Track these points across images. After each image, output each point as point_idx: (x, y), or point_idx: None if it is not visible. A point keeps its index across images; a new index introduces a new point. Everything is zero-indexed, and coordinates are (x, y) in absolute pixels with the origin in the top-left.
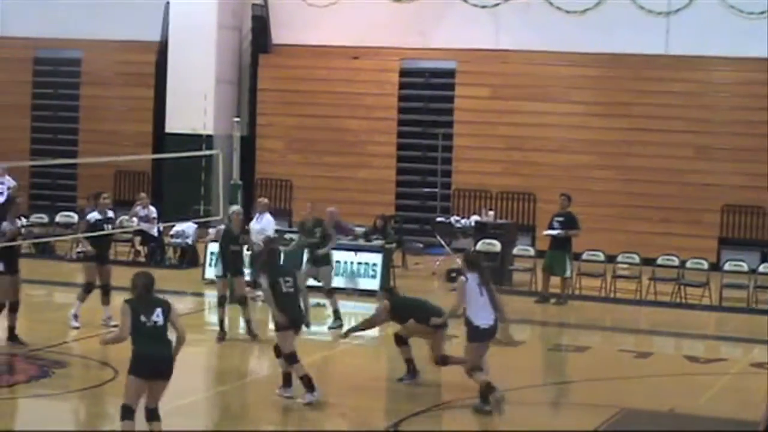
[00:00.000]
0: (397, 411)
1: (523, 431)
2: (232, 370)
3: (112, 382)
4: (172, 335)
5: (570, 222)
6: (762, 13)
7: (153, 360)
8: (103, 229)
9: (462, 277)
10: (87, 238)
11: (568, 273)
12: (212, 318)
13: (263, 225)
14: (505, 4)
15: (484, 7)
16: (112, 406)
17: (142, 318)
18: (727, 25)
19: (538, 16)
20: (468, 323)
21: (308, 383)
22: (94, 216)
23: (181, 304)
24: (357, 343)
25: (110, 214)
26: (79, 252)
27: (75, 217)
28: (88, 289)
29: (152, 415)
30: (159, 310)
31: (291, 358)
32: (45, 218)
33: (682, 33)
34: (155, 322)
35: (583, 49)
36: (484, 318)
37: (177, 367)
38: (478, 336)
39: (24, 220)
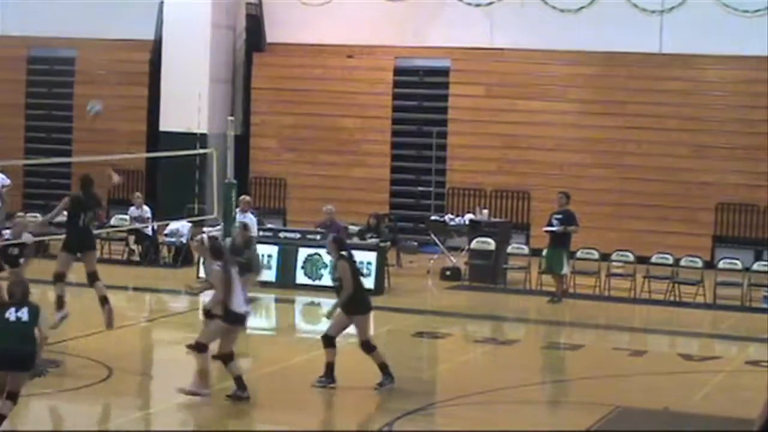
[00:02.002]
0: (391, 410)
1: (517, 430)
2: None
3: (106, 380)
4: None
5: (569, 219)
6: (756, 11)
7: (8, 353)
8: None
9: (216, 267)
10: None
11: (565, 270)
12: None
13: (247, 222)
14: (499, 3)
15: (478, 5)
16: (107, 405)
17: (7, 315)
18: (721, 23)
19: (532, 15)
20: (226, 308)
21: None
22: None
23: (175, 303)
24: (351, 341)
25: None
26: None
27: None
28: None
29: (10, 396)
30: (26, 309)
31: None
32: (39, 217)
33: (676, 31)
34: (19, 318)
35: (578, 48)
36: (240, 303)
37: (175, 365)
38: (236, 320)
39: None
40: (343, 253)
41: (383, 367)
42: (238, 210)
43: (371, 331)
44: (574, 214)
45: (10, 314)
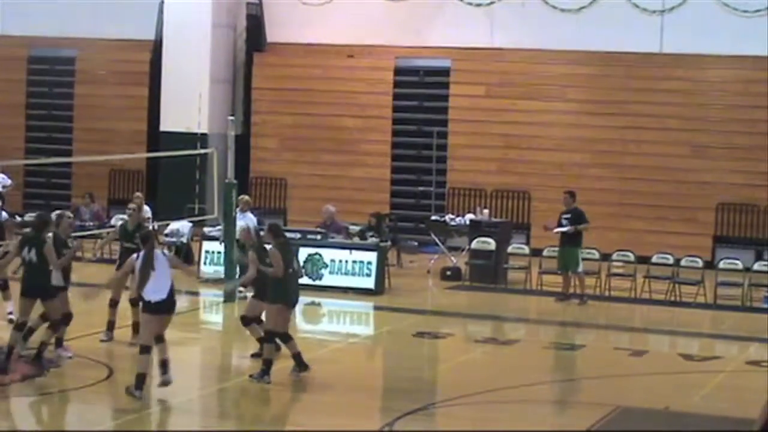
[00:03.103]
0: (392, 409)
1: (518, 430)
2: (229, 368)
3: (107, 381)
4: None
5: (578, 217)
6: (756, 11)
7: (32, 288)
8: None
9: (134, 255)
10: None
11: (581, 268)
12: (207, 317)
13: (242, 223)
14: (499, 3)
15: (479, 5)
16: (107, 405)
17: (23, 254)
18: (722, 23)
19: (532, 15)
20: (141, 298)
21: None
22: None
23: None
24: (351, 341)
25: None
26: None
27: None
28: None
29: (45, 319)
30: (35, 249)
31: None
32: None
33: (677, 31)
34: (31, 259)
35: (578, 48)
36: (155, 292)
37: (175, 365)
38: (150, 309)
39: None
40: (281, 239)
41: (263, 361)
42: (237, 210)
43: (370, 330)
44: (582, 212)
45: (26, 253)
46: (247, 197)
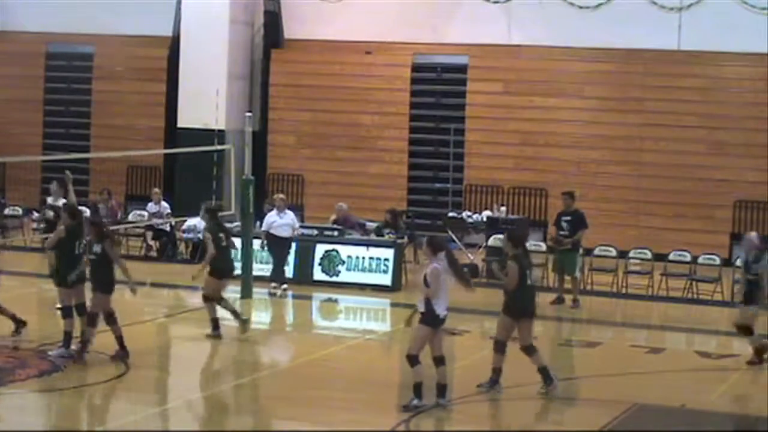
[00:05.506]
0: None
1: (533, 430)
2: (245, 364)
3: (124, 376)
4: None
5: (578, 222)
6: None
7: None
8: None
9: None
10: None
11: (578, 273)
12: (224, 312)
13: (287, 220)
14: (517, 0)
15: (496, 2)
16: (124, 401)
17: None
18: (740, 20)
19: (550, 12)
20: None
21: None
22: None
23: (193, 299)
24: (368, 338)
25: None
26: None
27: (87, 212)
28: None
29: None
30: None
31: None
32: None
33: (695, 28)
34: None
35: (596, 45)
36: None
37: (192, 361)
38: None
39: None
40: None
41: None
42: (274, 210)
43: (387, 327)
44: (583, 214)
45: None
46: (282, 195)
